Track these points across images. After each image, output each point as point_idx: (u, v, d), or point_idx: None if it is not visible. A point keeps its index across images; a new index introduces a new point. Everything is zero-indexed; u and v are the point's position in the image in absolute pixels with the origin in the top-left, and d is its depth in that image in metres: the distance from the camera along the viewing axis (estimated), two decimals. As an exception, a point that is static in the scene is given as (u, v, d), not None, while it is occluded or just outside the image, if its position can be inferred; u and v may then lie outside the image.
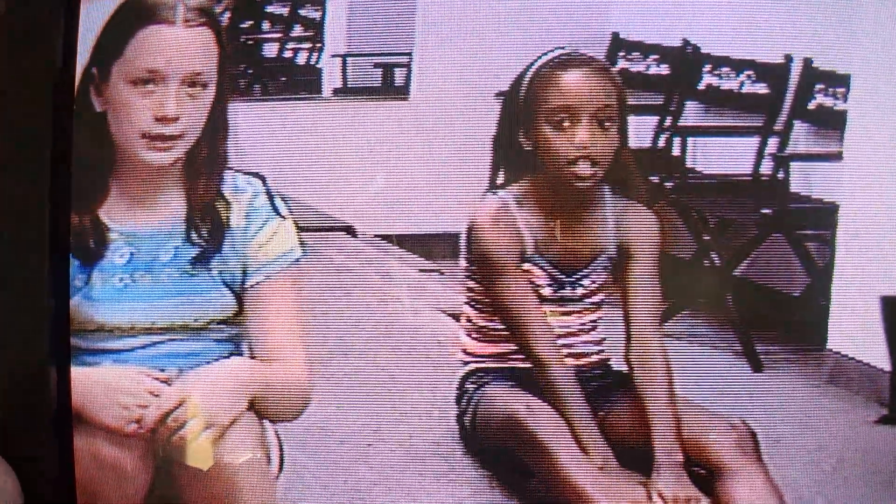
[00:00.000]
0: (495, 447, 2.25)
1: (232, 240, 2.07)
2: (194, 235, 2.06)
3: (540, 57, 2.20)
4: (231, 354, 2.09)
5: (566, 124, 2.17)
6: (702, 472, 2.18)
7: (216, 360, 2.07)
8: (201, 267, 2.06)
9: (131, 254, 2.06)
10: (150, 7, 1.98)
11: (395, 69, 2.44)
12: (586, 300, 2.27)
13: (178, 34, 1.99)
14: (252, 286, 2.07)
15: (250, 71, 2.40)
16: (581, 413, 2.20)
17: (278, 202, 2.08)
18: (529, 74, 2.20)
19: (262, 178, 2.09)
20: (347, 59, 2.47)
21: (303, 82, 2.47)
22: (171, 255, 2.07)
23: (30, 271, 2.12)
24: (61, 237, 2.10)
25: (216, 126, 2.04)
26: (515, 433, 2.19)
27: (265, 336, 2.07)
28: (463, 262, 2.27)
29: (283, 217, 2.07)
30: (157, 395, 1.99)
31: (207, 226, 2.05)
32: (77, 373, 2.05)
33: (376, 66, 2.45)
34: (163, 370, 2.05)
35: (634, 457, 2.19)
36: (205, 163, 2.05)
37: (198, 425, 1.99)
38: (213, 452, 2.03)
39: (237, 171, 2.08)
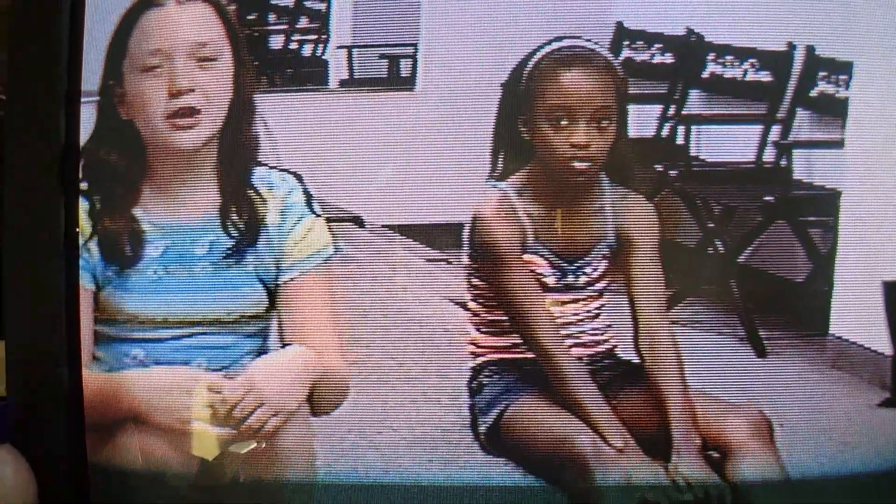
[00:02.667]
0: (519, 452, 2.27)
1: (267, 236, 2.09)
2: (230, 229, 2.08)
3: (541, 47, 2.21)
4: (260, 349, 2.12)
5: (564, 122, 2.19)
6: (715, 455, 2.21)
7: (245, 354, 2.10)
8: (235, 261, 2.08)
9: (166, 246, 2.09)
10: None
11: (401, 60, 2.44)
12: (590, 287, 2.29)
13: (170, 12, 2.03)
14: (286, 282, 2.10)
15: (256, 63, 2.40)
16: (593, 398, 2.22)
17: (313, 200, 2.11)
18: (530, 66, 2.21)
19: (299, 177, 2.11)
20: (353, 50, 2.48)
21: (309, 74, 2.48)
22: (207, 249, 2.09)
23: (44, 270, 2.14)
24: (71, 235, 2.11)
25: (242, 110, 2.06)
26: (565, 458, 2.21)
27: (300, 331, 2.09)
28: (465, 258, 2.29)
29: (317, 215, 2.10)
30: (217, 391, 2.01)
31: (243, 220, 2.08)
32: (132, 376, 2.07)
33: (382, 57, 2.45)
34: (188, 363, 2.08)
35: (651, 442, 2.23)
36: (236, 152, 2.07)
37: (265, 414, 2.01)
38: (217, 442, 2.05)
39: (271, 167, 2.10)
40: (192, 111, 2.03)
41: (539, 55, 2.21)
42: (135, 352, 2.10)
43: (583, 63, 2.19)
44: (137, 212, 2.09)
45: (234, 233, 2.08)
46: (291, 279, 2.11)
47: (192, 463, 2.10)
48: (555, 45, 2.21)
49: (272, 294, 2.10)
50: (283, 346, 2.11)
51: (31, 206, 2.14)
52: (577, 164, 2.20)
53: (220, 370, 2.09)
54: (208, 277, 2.09)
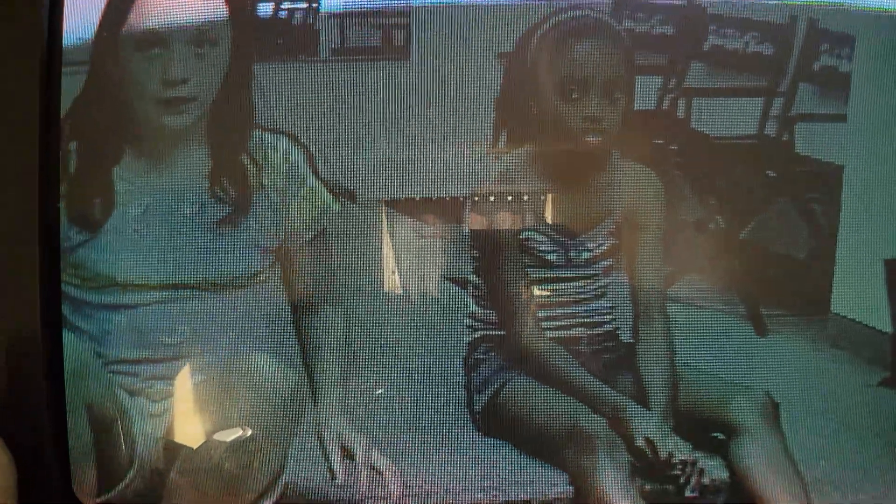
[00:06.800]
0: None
1: (263, 199, 2.05)
2: (220, 193, 2.04)
3: (548, 18, 2.17)
4: (250, 314, 2.08)
5: (575, 96, 2.16)
6: (719, 436, 2.18)
7: (233, 319, 2.07)
8: (228, 224, 2.04)
9: (148, 204, 2.04)
10: None
11: (395, 29, 2.38)
12: (593, 265, 2.26)
13: None
14: (285, 244, 2.06)
15: (257, 34, 2.34)
16: (574, 367, 2.20)
17: (315, 162, 2.07)
18: (537, 37, 2.17)
19: (295, 137, 2.07)
20: (345, 18, 2.41)
21: (299, 43, 2.41)
22: (195, 210, 2.04)
23: (21, 243, 2.07)
24: (51, 207, 2.06)
25: (238, 80, 2.03)
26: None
27: (300, 294, 2.06)
28: (467, 229, 2.26)
29: (316, 176, 2.06)
30: None
31: (235, 184, 2.04)
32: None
33: (375, 25, 2.39)
34: (171, 330, 2.04)
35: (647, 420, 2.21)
36: (229, 119, 2.04)
37: None
38: (203, 430, 2.01)
39: (266, 129, 2.06)
40: (184, 100, 1.99)
41: (546, 26, 2.17)
42: (116, 319, 2.04)
43: (592, 33, 2.16)
44: (118, 170, 2.04)
45: (225, 197, 2.04)
46: (292, 241, 2.08)
47: (176, 449, 2.06)
48: (560, 16, 2.16)
49: (268, 258, 2.06)
50: (291, 305, 2.07)
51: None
52: (589, 139, 2.17)
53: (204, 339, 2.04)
54: (197, 238, 2.04)
